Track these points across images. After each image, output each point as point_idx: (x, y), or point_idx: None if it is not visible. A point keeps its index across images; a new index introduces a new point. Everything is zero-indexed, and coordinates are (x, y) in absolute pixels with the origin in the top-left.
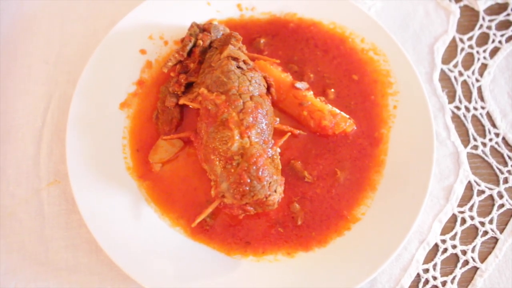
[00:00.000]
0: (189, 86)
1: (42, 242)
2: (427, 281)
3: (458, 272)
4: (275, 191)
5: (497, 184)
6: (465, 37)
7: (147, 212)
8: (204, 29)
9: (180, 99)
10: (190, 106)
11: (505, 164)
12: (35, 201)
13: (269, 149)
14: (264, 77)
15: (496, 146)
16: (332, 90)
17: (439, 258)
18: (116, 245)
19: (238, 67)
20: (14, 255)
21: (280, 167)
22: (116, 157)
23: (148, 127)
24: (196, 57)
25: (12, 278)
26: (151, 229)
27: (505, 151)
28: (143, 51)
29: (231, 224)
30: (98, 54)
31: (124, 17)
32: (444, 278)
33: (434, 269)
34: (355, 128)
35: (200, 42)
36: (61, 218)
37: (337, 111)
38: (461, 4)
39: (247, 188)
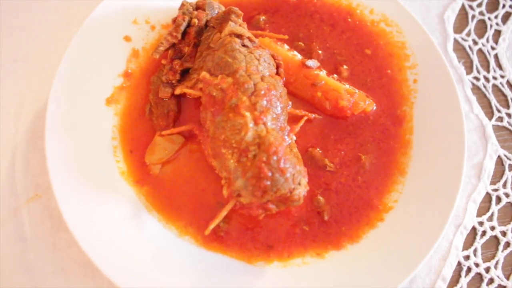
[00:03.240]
0: (184, 74)
1: (26, 269)
2: (469, 269)
3: (501, 255)
4: (299, 183)
5: None
6: (474, 4)
7: (149, 222)
8: (198, 7)
9: (176, 88)
10: (189, 96)
11: None
12: (13, 222)
13: (286, 137)
14: (272, 56)
15: None
16: (345, 67)
17: (478, 243)
18: (117, 264)
19: (243, 45)
20: None
21: (300, 156)
22: (107, 161)
23: (141, 124)
24: (191, 39)
25: None
26: (156, 241)
27: None
28: (127, 38)
29: (248, 227)
30: (76, 45)
31: (103, 1)
32: (487, 264)
33: (475, 254)
34: (375, 107)
35: (195, 20)
36: (47, 239)
37: (355, 89)
38: None
39: (269, 183)
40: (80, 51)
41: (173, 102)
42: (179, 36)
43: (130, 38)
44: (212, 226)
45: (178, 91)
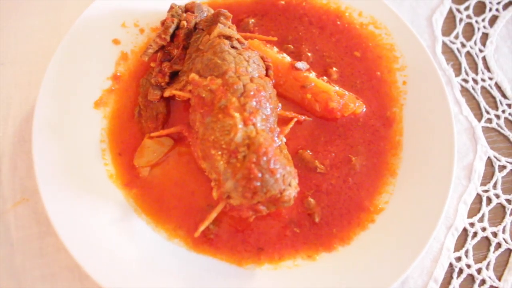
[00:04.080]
0: (173, 76)
1: (13, 274)
2: (461, 271)
3: (492, 256)
4: (290, 184)
5: None
6: (461, 7)
7: (138, 225)
8: (187, 9)
9: (165, 90)
10: (178, 98)
11: None
12: (0, 227)
13: (276, 138)
14: (262, 57)
15: (510, 117)
16: (335, 69)
17: (470, 244)
18: (105, 268)
19: (232, 47)
20: None
21: (290, 157)
22: (95, 164)
23: (129, 126)
24: (180, 41)
25: None
26: (145, 245)
27: None
28: (116, 41)
29: (238, 229)
30: (64, 48)
31: (92, 4)
32: (479, 265)
33: (467, 256)
34: (365, 109)
35: (184, 23)
36: (33, 244)
37: (344, 91)
38: None
39: (258, 184)
40: (69, 54)
41: (162, 105)
42: (168, 38)
43: (119, 41)
44: (201, 228)
45: (167, 93)
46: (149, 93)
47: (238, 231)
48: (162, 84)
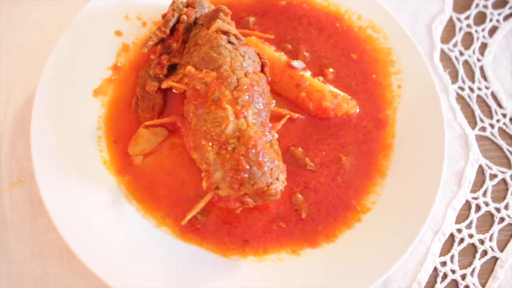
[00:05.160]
0: (172, 69)
1: (5, 253)
2: (445, 276)
3: (477, 263)
4: (277, 178)
5: (509, 167)
6: (462, 16)
7: (128, 211)
8: (188, 4)
9: (163, 82)
10: (175, 91)
11: None
12: None
13: (267, 133)
14: (258, 54)
15: (504, 127)
16: (331, 70)
17: (456, 249)
18: (93, 251)
19: (229, 42)
20: None
21: (280, 152)
22: (90, 150)
23: (126, 116)
24: (179, 35)
25: None
26: (133, 230)
27: None
28: (118, 33)
29: (226, 220)
30: (68, 36)
31: None
32: (463, 271)
33: (452, 261)
34: (358, 109)
35: (185, 17)
36: (26, 223)
37: (339, 91)
38: None
39: (246, 175)
40: (72, 43)
41: (159, 96)
42: (168, 31)
43: (121, 32)
44: (188, 216)
45: (164, 85)
46: (147, 84)
47: (225, 223)
48: (160, 76)
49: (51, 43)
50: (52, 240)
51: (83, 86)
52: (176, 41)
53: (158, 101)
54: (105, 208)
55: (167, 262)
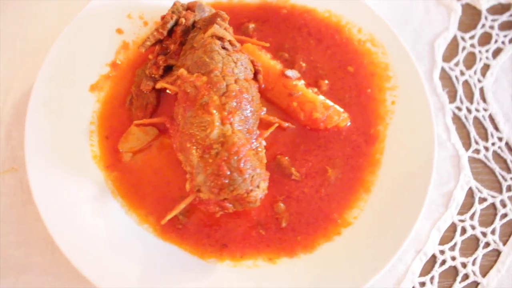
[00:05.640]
0: (168, 70)
1: None
2: None
3: (458, 286)
4: (258, 186)
5: (500, 192)
6: (466, 36)
7: (113, 206)
8: (188, 8)
9: (158, 82)
10: (168, 91)
11: (509, 170)
12: None
13: (253, 140)
14: (252, 62)
15: (499, 151)
16: (326, 81)
17: (436, 271)
18: (75, 243)
19: (223, 48)
20: None
21: (264, 160)
22: (81, 143)
23: (120, 113)
24: (177, 37)
25: None
26: (115, 226)
27: (508, 157)
28: (119, 31)
29: (206, 223)
30: (70, 31)
31: None
32: None
33: (432, 282)
34: (349, 123)
35: (183, 20)
36: (15, 211)
37: (330, 103)
38: (463, 2)
39: (226, 181)
40: (73, 37)
41: (153, 96)
42: (165, 33)
43: (122, 30)
44: (169, 216)
45: (158, 85)
46: (142, 83)
47: (206, 225)
48: (156, 76)
49: (53, 37)
50: (38, 229)
51: (80, 81)
52: (173, 42)
53: (152, 101)
54: (91, 202)
55: (145, 259)
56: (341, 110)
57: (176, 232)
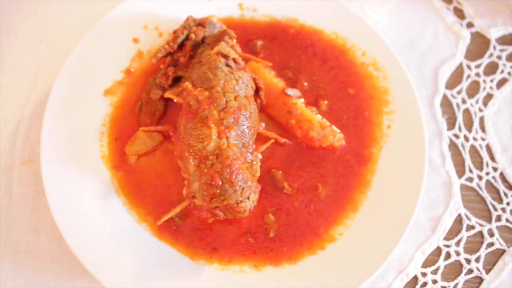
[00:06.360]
0: (177, 81)
1: (6, 221)
2: None
3: None
4: (248, 198)
5: (489, 221)
6: (472, 64)
7: (116, 204)
8: (200, 23)
9: (166, 92)
10: (175, 100)
11: (500, 201)
12: (5, 179)
13: (249, 154)
14: (254, 79)
15: (492, 180)
16: (326, 102)
17: None
18: (78, 235)
19: (227, 65)
20: None
21: (258, 174)
22: (92, 143)
23: (130, 117)
24: (187, 51)
25: None
26: (116, 222)
27: (501, 187)
28: (135, 40)
29: (200, 227)
30: (90, 37)
31: (121, 3)
32: None
33: None
34: (344, 143)
35: (193, 35)
36: (28, 200)
37: (327, 123)
38: (473, 30)
39: (218, 191)
40: (92, 44)
41: (161, 104)
42: (175, 47)
43: (138, 40)
44: (165, 218)
45: (166, 95)
46: (152, 91)
47: (199, 229)
48: (165, 85)
49: (76, 41)
50: (48, 219)
51: (96, 85)
52: (183, 55)
53: (159, 108)
54: (96, 197)
55: (141, 255)
56: (337, 130)
57: (171, 233)
